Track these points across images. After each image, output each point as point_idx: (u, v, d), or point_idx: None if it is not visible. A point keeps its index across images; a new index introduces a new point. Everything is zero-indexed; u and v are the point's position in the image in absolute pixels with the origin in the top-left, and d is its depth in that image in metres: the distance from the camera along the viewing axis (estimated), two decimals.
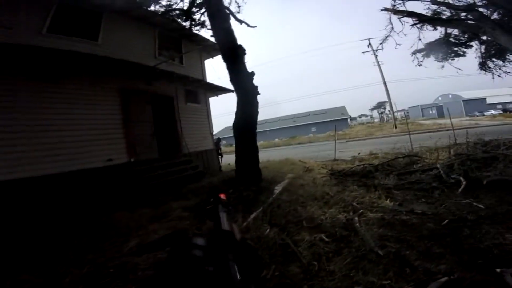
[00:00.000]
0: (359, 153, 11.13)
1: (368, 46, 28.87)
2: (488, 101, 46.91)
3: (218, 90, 11.34)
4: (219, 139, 12.21)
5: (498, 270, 2.52)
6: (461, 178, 5.39)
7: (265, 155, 18.09)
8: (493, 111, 39.15)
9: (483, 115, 37.44)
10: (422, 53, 15.93)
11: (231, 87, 7.75)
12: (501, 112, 36.59)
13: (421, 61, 15.66)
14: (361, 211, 4.64)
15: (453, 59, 15.65)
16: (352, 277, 2.86)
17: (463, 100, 48.39)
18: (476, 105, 45.78)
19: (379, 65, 30.17)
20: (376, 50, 28.64)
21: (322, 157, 12.67)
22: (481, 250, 3.07)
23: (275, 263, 3.32)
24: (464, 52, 15.23)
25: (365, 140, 20.93)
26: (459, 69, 13.65)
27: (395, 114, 61.94)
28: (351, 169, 7.90)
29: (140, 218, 4.86)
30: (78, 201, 5.80)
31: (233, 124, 7.13)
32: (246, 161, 6.87)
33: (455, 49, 15.42)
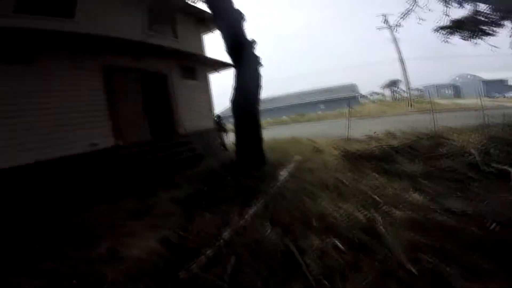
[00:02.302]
0: (374, 132, 10.09)
1: (384, 22, 26.28)
2: (509, 82, 44.67)
3: (219, 65, 10.24)
4: (219, 117, 11.40)
5: None
6: (509, 168, 4.43)
7: (271, 134, 17.18)
8: None
9: (504, 97, 35.28)
10: (447, 30, 14.69)
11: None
12: None
13: (447, 38, 15.08)
14: (384, 207, 3.80)
15: (481, 38, 14.59)
16: None
17: (482, 81, 46.10)
18: (496, 86, 43.76)
19: (395, 41, 27.75)
20: (396, 26, 26.13)
21: (332, 136, 11.71)
22: None
23: (275, 277, 2.59)
24: (494, 31, 13.94)
25: (378, 119, 19.66)
26: (494, 46, 12.35)
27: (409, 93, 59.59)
28: (367, 150, 6.97)
29: (120, 213, 4.17)
30: (54, 194, 5.11)
31: (232, 100, 6.23)
32: (248, 143, 6.06)
33: (484, 27, 14.22)
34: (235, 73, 6.45)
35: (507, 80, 45.34)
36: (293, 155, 7.27)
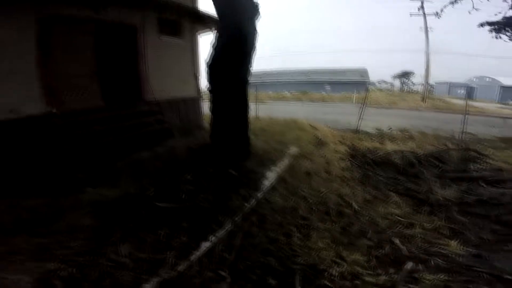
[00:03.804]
0: (389, 128, 8.56)
1: (419, 9, 23.22)
2: None
3: (215, 23, 8.03)
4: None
5: None
6: None
7: (269, 110, 15.48)
8: None
9: None
10: (493, 26, 13.98)
11: None
12: None
13: (497, 35, 13.83)
14: (409, 265, 2.43)
15: None
16: None
17: (501, 86, 44.00)
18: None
19: (427, 31, 24.91)
20: (437, 14, 23.42)
21: (338, 123, 10.17)
22: None
23: None
24: None
25: (388, 110, 17.94)
26: None
27: (418, 87, 56.98)
28: (382, 154, 5.51)
29: (6, 218, 2.70)
30: None
31: (209, 64, 4.42)
32: (228, 126, 4.44)
33: None
34: (218, 24, 4.72)
35: None
36: (289, 145, 5.78)
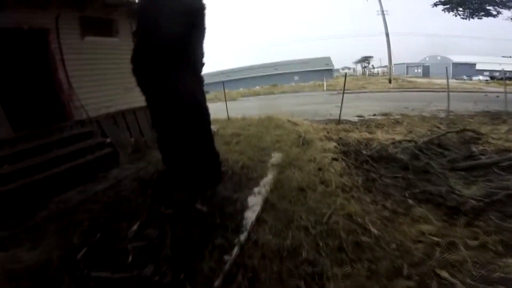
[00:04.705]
0: (374, 115, 7.94)
1: None
2: (478, 67, 46.14)
3: None
4: None
5: None
6: None
7: (241, 108, 14.43)
8: (481, 77, 37.72)
9: (471, 80, 35.85)
10: (446, 6, 15.11)
11: None
12: (488, 79, 34.46)
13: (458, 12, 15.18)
14: None
15: (481, 18, 15.04)
16: None
17: (452, 63, 47.18)
18: (465, 70, 44.94)
19: (383, 14, 25.21)
20: None
21: (316, 113, 9.42)
22: None
23: None
24: (498, 12, 14.36)
25: (359, 94, 17.68)
26: None
27: (378, 69, 59.38)
28: (377, 148, 4.75)
29: None
30: None
31: (133, 57, 3.01)
32: (181, 144, 3.16)
33: (489, 7, 14.49)
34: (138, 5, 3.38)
35: (475, 64, 47.30)
36: (270, 151, 4.80)
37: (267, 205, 2.94)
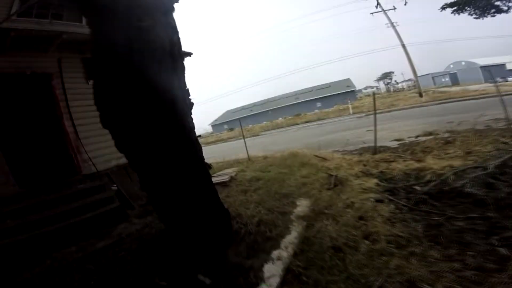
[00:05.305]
0: (417, 136, 6.82)
1: (376, 6, 23.03)
2: (508, 67, 42.47)
3: None
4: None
5: None
6: None
7: (265, 143, 13.87)
8: None
9: (506, 81, 32.69)
10: (454, 7, 14.39)
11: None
12: None
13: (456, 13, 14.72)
14: None
15: (494, 15, 13.99)
16: None
17: (480, 67, 44.20)
18: (496, 71, 42.15)
19: (393, 26, 24.48)
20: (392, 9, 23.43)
21: (346, 142, 8.43)
22: None
23: None
24: (509, 7, 13.34)
25: (390, 113, 16.37)
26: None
27: (403, 84, 56.87)
28: (433, 180, 3.69)
29: None
30: None
31: (95, 88, 2.35)
32: (175, 204, 2.51)
33: (497, 3, 13.48)
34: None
35: (505, 64, 43.79)
36: (295, 198, 3.95)
37: (290, 275, 2.11)
